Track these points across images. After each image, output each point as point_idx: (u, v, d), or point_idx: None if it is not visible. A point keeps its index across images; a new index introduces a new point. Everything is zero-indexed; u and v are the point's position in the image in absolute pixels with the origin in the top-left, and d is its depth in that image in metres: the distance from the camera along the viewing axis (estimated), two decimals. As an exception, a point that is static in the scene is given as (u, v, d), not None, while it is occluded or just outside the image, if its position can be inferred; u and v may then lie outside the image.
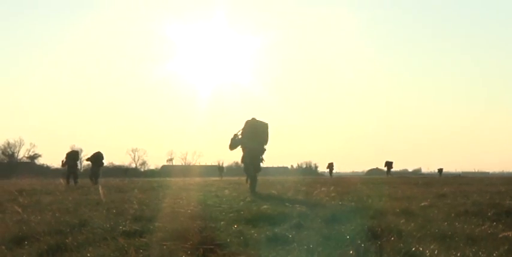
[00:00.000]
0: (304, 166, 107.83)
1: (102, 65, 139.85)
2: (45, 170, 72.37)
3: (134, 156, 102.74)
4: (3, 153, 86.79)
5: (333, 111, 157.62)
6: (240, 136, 11.60)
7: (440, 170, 58.30)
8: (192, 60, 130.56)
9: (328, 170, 47.75)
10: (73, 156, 21.45)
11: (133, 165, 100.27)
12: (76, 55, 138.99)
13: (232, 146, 11.73)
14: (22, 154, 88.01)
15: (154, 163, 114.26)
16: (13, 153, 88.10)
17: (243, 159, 11.74)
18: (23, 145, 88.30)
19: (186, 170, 78.37)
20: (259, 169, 11.77)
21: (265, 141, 11.59)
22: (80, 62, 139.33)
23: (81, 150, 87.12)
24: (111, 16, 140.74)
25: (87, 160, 21.84)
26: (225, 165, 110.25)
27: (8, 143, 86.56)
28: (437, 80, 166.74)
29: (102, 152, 21.74)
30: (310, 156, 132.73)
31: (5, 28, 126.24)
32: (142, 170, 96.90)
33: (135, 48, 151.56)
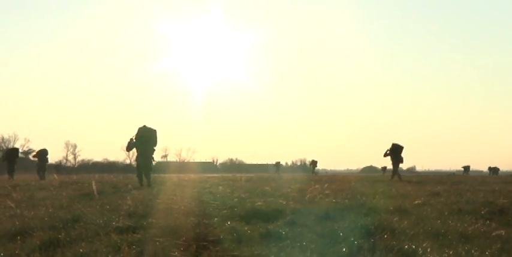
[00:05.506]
0: (298, 164, 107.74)
1: (97, 62, 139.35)
2: (40, 166, 71.86)
3: (128, 152, 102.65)
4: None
5: (327, 108, 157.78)
6: (134, 140, 13.41)
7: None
8: (187, 56, 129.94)
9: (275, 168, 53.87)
10: (12, 153, 23.63)
11: (128, 161, 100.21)
12: (72, 51, 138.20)
13: (128, 148, 14.08)
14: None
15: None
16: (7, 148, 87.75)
17: (137, 159, 13.63)
18: (17, 140, 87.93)
19: (180, 166, 78.05)
20: (151, 167, 13.49)
21: (155, 144, 13.51)
22: (75, 59, 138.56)
23: (76, 146, 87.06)
24: (107, 13, 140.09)
25: (34, 156, 22.98)
26: (219, 161, 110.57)
27: (2, 138, 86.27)
28: (438, 75, 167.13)
29: (47, 149, 23.09)
30: (304, 153, 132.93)
31: (1, 24, 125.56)
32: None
33: (131, 45, 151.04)
